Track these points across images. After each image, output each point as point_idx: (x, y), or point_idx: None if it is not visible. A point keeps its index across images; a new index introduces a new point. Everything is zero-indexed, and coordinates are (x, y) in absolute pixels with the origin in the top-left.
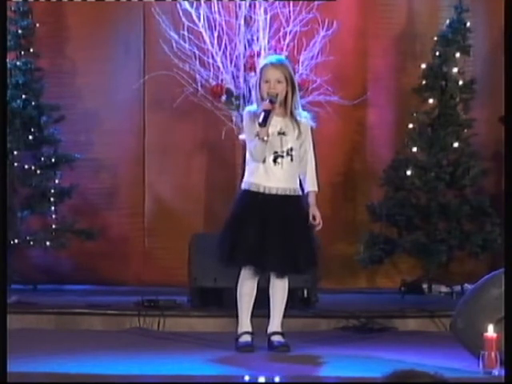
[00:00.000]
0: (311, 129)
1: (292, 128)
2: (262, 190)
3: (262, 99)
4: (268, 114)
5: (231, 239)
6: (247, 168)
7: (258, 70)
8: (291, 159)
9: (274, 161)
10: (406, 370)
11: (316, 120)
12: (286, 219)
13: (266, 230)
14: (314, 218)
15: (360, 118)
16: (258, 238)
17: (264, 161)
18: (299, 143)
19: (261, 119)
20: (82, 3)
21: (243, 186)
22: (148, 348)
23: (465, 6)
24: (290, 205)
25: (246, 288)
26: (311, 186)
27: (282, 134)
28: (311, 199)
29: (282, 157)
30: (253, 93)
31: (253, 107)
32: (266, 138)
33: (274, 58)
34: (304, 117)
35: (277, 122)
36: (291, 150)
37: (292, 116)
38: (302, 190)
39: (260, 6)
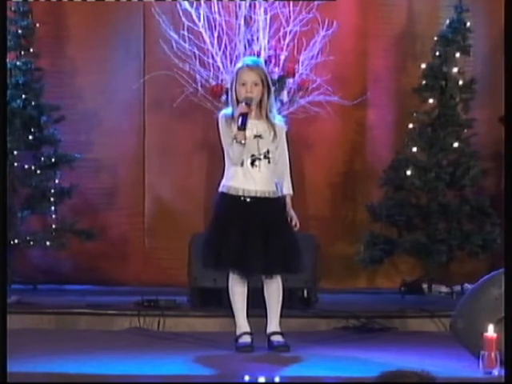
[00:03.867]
0: (286, 132)
1: (268, 131)
2: (241, 193)
3: (238, 102)
4: (246, 117)
5: (215, 244)
6: (226, 172)
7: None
8: (268, 162)
9: (252, 164)
10: (394, 370)
11: (290, 122)
12: (267, 221)
13: (249, 233)
14: (290, 219)
15: (360, 118)
16: (241, 242)
17: (242, 164)
18: (275, 146)
19: (239, 123)
20: (81, 3)
21: (221, 189)
22: (148, 348)
23: (465, 6)
24: (271, 207)
25: (237, 288)
26: (287, 189)
27: (258, 136)
28: (288, 202)
29: (260, 159)
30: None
31: (228, 110)
32: (243, 141)
33: (249, 59)
34: (278, 120)
35: (252, 125)
36: (268, 152)
37: (267, 119)
38: None
39: (260, 5)
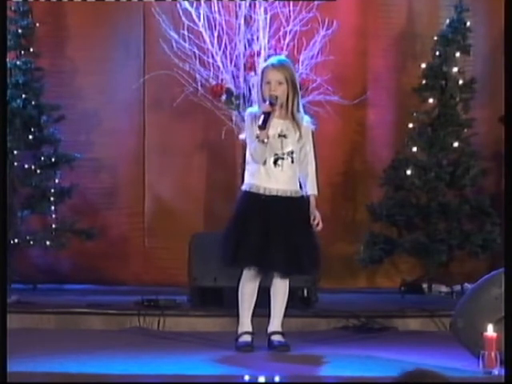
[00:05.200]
0: (312, 132)
1: (293, 130)
2: (262, 192)
3: (264, 100)
4: (268, 116)
5: (235, 241)
6: (248, 169)
7: (259, 71)
8: (292, 161)
9: (275, 163)
10: (424, 369)
11: (316, 121)
12: (288, 220)
13: (269, 231)
14: (314, 219)
15: (360, 118)
16: (261, 239)
17: (264, 163)
18: (300, 146)
19: (260, 121)
20: (81, 3)
21: (244, 187)
22: (148, 348)
23: (465, 6)
24: (292, 206)
25: (248, 288)
26: (311, 189)
27: (282, 136)
28: (312, 202)
29: (283, 159)
30: (253, 93)
31: (254, 108)
32: (265, 140)
33: (275, 59)
34: (305, 120)
35: (277, 124)
36: (292, 152)
37: (293, 118)
38: None
39: (260, 5)
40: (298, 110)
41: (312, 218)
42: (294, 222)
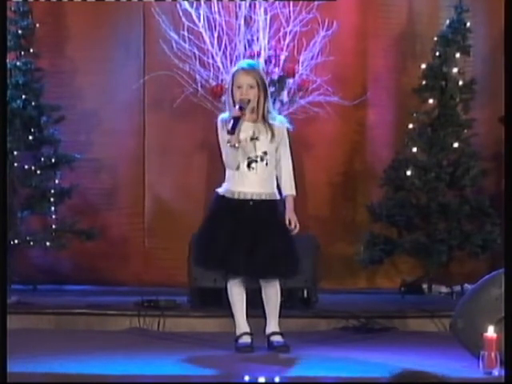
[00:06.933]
0: (288, 131)
1: (265, 132)
2: (236, 196)
3: (234, 105)
4: (237, 121)
5: (204, 243)
6: (226, 174)
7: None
8: (266, 164)
9: (248, 166)
10: (413, 370)
11: (293, 123)
12: (259, 223)
13: (238, 234)
14: (289, 222)
15: (360, 118)
16: (229, 242)
17: (238, 167)
18: (274, 147)
19: (230, 126)
20: (81, 3)
21: (218, 190)
22: (148, 348)
23: (465, 6)
24: (265, 209)
25: (235, 289)
26: (288, 189)
27: (254, 139)
28: (288, 203)
29: (256, 162)
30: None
31: (225, 114)
32: (236, 145)
33: (245, 62)
34: (279, 120)
35: (249, 128)
36: (265, 154)
37: (264, 120)
38: (280, 193)
39: (260, 6)
40: (269, 111)
41: (287, 221)
42: (267, 226)
